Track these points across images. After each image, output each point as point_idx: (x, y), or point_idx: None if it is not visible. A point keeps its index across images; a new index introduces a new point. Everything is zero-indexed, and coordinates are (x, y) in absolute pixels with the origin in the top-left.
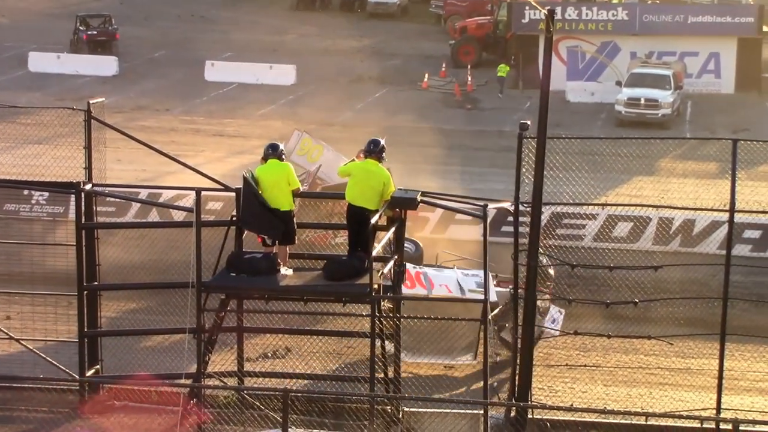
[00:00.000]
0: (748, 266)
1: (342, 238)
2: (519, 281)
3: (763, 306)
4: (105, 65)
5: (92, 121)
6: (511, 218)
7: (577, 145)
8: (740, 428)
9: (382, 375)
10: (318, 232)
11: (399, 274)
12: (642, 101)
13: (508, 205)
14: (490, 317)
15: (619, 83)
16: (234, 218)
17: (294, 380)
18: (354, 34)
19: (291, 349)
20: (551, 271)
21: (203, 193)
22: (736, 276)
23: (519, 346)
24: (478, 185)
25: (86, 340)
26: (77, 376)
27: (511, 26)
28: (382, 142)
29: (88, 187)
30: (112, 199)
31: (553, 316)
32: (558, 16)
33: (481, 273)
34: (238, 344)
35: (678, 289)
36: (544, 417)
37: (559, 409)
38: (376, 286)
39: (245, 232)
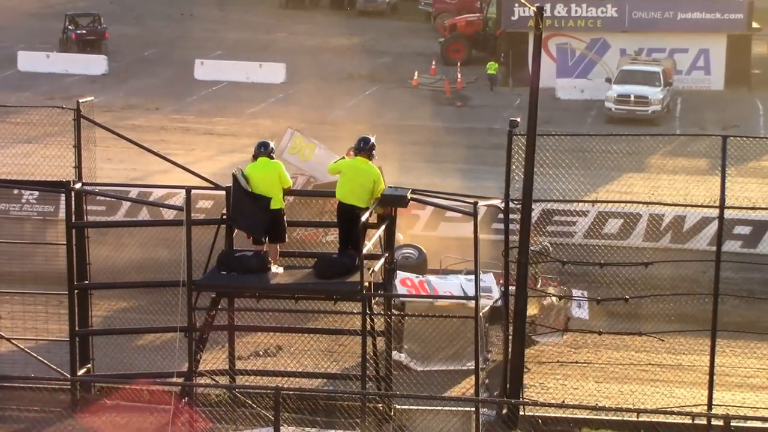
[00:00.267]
0: (739, 262)
1: (333, 236)
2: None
3: (753, 302)
4: (94, 64)
5: (82, 120)
6: (501, 215)
7: (567, 142)
8: (731, 424)
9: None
10: (309, 230)
11: (390, 271)
12: (632, 98)
13: (498, 202)
14: (481, 315)
15: (608, 80)
16: (224, 216)
17: (286, 378)
18: (344, 32)
19: (282, 347)
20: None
21: (193, 191)
22: (726, 272)
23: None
24: (469, 183)
25: (77, 340)
26: (69, 376)
27: (500, 23)
28: (372, 139)
29: (78, 186)
30: (103, 198)
31: (578, 302)
32: (547, 13)
33: (487, 278)
34: (229, 343)
35: (669, 285)
36: (536, 414)
37: (550, 405)
38: (366, 284)
39: (236, 231)
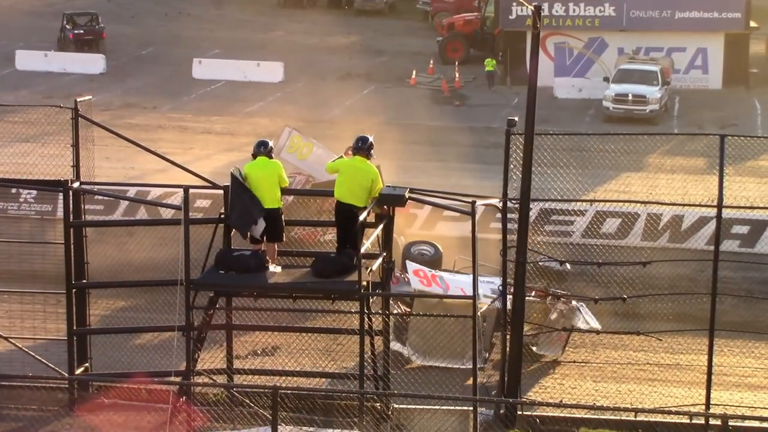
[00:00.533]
0: (737, 262)
1: (331, 235)
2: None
3: (751, 301)
4: (92, 63)
5: (80, 119)
6: (499, 215)
7: (565, 141)
8: (729, 423)
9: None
10: (307, 229)
11: (387, 271)
12: (630, 97)
13: (496, 201)
14: (479, 314)
15: (606, 79)
16: (222, 216)
17: (283, 377)
18: (342, 31)
19: (279, 346)
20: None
21: (191, 190)
22: (724, 271)
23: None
24: (467, 182)
25: (75, 338)
26: (66, 375)
27: (498, 23)
28: (370, 139)
29: (76, 185)
30: (101, 197)
31: (586, 318)
32: (545, 12)
33: (497, 280)
34: (227, 342)
35: (667, 284)
36: (534, 413)
37: (548, 405)
38: (364, 283)
39: (234, 230)
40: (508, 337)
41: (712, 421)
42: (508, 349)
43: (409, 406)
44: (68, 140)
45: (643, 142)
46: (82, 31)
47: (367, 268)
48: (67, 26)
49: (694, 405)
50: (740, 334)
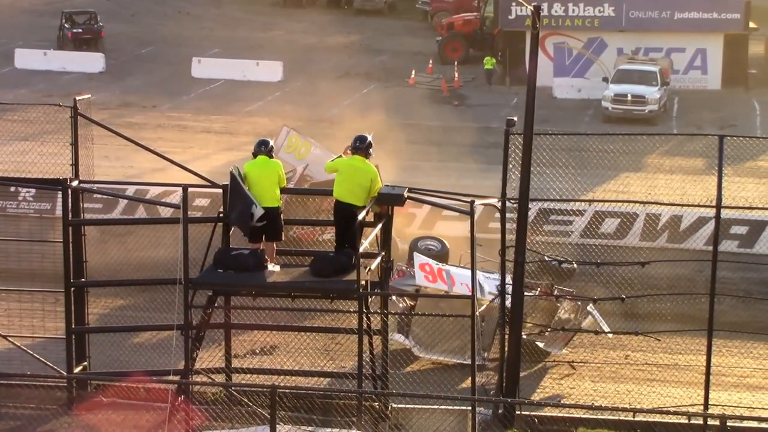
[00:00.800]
0: (735, 262)
1: (329, 234)
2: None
3: (750, 302)
4: (92, 62)
5: (79, 117)
6: (498, 214)
7: (564, 141)
8: (727, 424)
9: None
10: (305, 228)
11: (386, 270)
12: (629, 97)
13: (495, 201)
14: (477, 314)
15: (605, 79)
16: (221, 215)
17: (282, 377)
18: (341, 31)
19: (278, 345)
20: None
21: (190, 189)
22: (723, 272)
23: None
24: (466, 181)
25: (74, 337)
26: (65, 373)
27: (497, 22)
28: (369, 138)
29: (75, 183)
30: (99, 196)
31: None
32: (544, 13)
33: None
34: (225, 341)
35: (665, 285)
36: (532, 413)
37: (546, 405)
38: (363, 283)
39: (232, 229)
40: (506, 336)
41: (710, 422)
42: (506, 349)
43: (408, 406)
44: (67, 139)
45: (642, 142)
46: (80, 30)
47: (365, 268)
48: (66, 25)
49: (692, 405)
50: (739, 334)
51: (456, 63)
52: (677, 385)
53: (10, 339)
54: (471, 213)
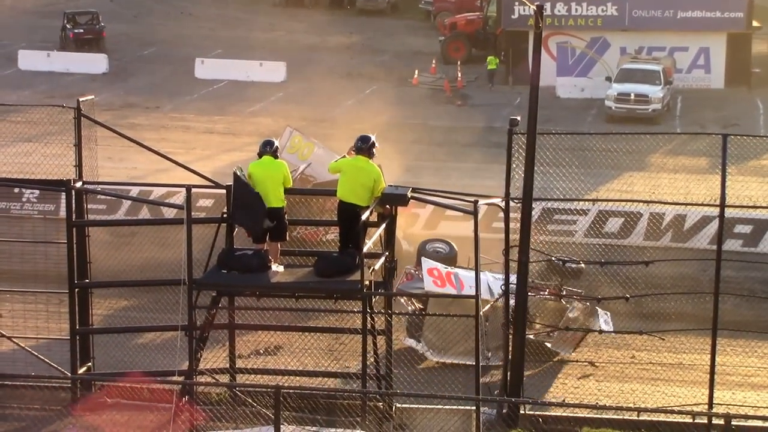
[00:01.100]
0: (740, 261)
1: (333, 234)
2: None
3: (754, 301)
4: (95, 63)
5: (82, 118)
6: (501, 214)
7: (568, 140)
8: (732, 423)
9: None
10: (309, 228)
11: (390, 270)
12: (632, 97)
13: (498, 201)
14: (481, 313)
15: (609, 79)
16: (225, 215)
17: (286, 377)
18: (343, 31)
19: (282, 346)
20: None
21: (194, 190)
22: (727, 271)
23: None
24: (469, 181)
25: (78, 338)
26: (69, 374)
27: (500, 22)
28: (373, 138)
29: (78, 184)
30: (103, 197)
31: (605, 319)
32: (547, 12)
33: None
34: (229, 341)
35: (669, 284)
36: (537, 413)
37: (551, 404)
38: (367, 283)
39: (236, 229)
40: (510, 336)
41: (715, 421)
42: (510, 349)
43: (412, 406)
44: (71, 140)
45: (646, 141)
46: (81, 31)
47: (369, 268)
48: (68, 26)
49: (697, 404)
50: (743, 333)
51: (459, 63)
52: (682, 384)
53: (14, 340)
54: (475, 213)
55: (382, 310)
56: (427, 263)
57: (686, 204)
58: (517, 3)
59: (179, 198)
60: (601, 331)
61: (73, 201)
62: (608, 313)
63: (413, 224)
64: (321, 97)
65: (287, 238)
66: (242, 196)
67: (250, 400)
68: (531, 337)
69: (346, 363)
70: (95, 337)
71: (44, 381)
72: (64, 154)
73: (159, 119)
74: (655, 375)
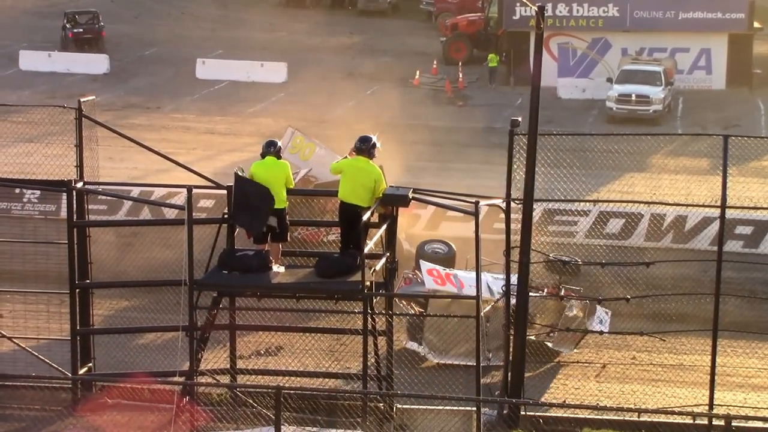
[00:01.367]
0: (740, 262)
1: (334, 235)
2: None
3: (755, 302)
4: (96, 63)
5: (83, 119)
6: (502, 215)
7: (569, 141)
8: (732, 424)
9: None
10: (310, 229)
11: (391, 271)
12: (633, 97)
13: (499, 202)
14: (482, 314)
15: (610, 80)
16: (226, 216)
17: (287, 378)
18: (345, 31)
19: (283, 346)
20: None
21: (195, 190)
22: (728, 272)
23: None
24: (470, 182)
25: (78, 339)
26: (70, 374)
27: (501, 23)
28: (374, 139)
29: (79, 185)
30: (104, 197)
31: (600, 317)
32: (549, 13)
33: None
34: (230, 342)
35: (670, 285)
36: (537, 414)
37: (551, 405)
38: (368, 283)
39: (237, 230)
40: (511, 337)
41: (715, 422)
42: (511, 349)
43: (413, 407)
44: (72, 140)
45: (647, 142)
46: (81, 30)
47: (370, 268)
48: (68, 25)
49: (697, 405)
50: (744, 334)
51: (460, 63)
52: (682, 385)
53: (15, 340)
54: (476, 214)
55: (383, 311)
56: (425, 265)
57: (687, 205)
58: (518, 4)
59: (180, 198)
60: (601, 332)
61: (74, 201)
62: (609, 311)
63: (414, 225)
64: (322, 97)
65: (288, 238)
66: (245, 196)
67: (250, 401)
68: (532, 337)
69: (347, 364)
70: (96, 338)
71: (45, 381)
72: (65, 154)
73: (160, 120)
74: (656, 376)
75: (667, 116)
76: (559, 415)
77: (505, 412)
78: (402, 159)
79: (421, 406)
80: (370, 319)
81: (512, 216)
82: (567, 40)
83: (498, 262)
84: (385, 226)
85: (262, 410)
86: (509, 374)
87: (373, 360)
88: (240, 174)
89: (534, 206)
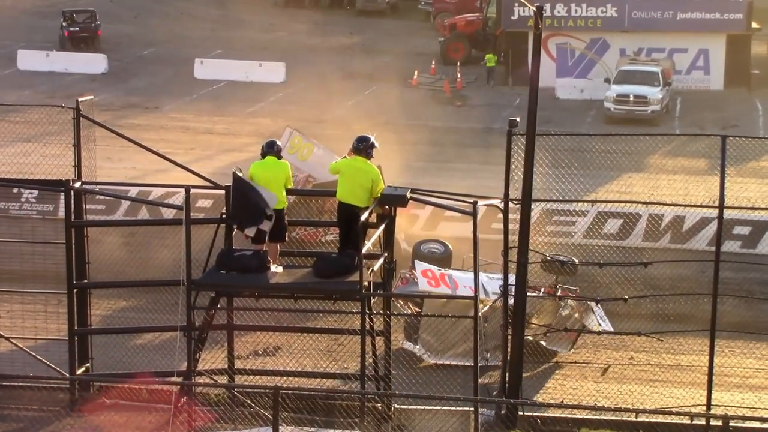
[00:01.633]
0: (738, 262)
1: (332, 235)
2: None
3: (752, 302)
4: (94, 63)
5: (81, 119)
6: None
7: (567, 141)
8: (730, 424)
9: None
10: (308, 229)
11: (389, 271)
12: (631, 98)
13: (497, 202)
14: (480, 314)
15: (608, 80)
16: (224, 216)
17: (285, 378)
18: (343, 31)
19: (281, 346)
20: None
21: (193, 190)
22: (725, 272)
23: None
24: (468, 182)
25: (76, 339)
26: (68, 375)
27: (500, 23)
28: (372, 139)
29: (77, 185)
30: (102, 197)
31: (601, 316)
32: (547, 13)
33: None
34: (228, 342)
35: (668, 285)
36: (535, 414)
37: (549, 405)
38: (366, 283)
39: (235, 230)
40: (509, 337)
41: (713, 422)
42: (509, 350)
43: (411, 407)
44: (70, 140)
45: (645, 142)
46: (77, 29)
47: (368, 269)
48: (64, 24)
49: (695, 406)
50: (741, 334)
51: (458, 64)
52: (680, 385)
53: (12, 340)
54: (474, 214)
55: (381, 311)
56: (420, 266)
57: (685, 205)
58: (516, 4)
59: (178, 198)
60: (599, 332)
61: (72, 201)
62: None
63: (413, 225)
64: (320, 97)
65: (286, 238)
66: (243, 196)
67: (248, 401)
68: (529, 337)
69: (345, 364)
70: (94, 338)
71: (43, 381)
72: (63, 154)
73: (158, 119)
74: (654, 376)
75: (665, 116)
76: (557, 415)
77: (502, 412)
78: (400, 159)
79: (418, 407)
80: (367, 319)
81: (510, 216)
82: (565, 40)
83: (494, 262)
84: (383, 227)
85: (260, 410)
86: (507, 374)
87: (370, 360)
88: (238, 174)
89: (532, 206)
